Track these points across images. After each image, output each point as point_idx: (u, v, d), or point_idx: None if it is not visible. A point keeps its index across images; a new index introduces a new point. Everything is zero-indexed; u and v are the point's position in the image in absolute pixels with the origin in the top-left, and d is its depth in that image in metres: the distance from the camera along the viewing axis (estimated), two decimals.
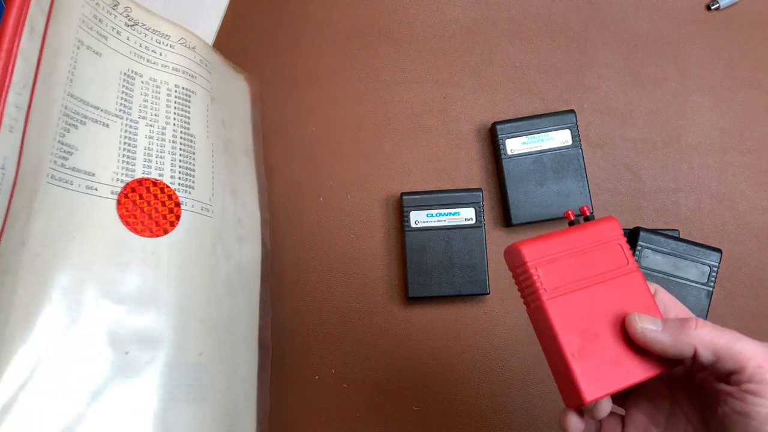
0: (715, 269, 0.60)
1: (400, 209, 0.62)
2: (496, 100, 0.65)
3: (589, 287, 0.40)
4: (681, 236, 0.62)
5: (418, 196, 0.61)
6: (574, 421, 0.40)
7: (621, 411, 0.43)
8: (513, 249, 0.41)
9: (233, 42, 0.65)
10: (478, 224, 0.61)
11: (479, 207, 0.61)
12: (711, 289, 0.59)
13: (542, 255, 0.40)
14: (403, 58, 0.65)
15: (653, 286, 0.41)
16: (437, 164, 0.65)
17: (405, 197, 0.61)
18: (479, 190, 0.62)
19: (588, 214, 0.43)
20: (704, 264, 0.60)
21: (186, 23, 0.65)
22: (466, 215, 0.61)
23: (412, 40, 0.66)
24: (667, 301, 0.41)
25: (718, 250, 0.60)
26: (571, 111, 0.63)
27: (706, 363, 0.36)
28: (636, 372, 0.39)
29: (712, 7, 0.65)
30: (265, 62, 0.65)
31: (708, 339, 0.35)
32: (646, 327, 0.37)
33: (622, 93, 0.65)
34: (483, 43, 0.66)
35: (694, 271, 0.60)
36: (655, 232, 0.60)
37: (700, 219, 0.64)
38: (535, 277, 0.40)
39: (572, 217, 0.43)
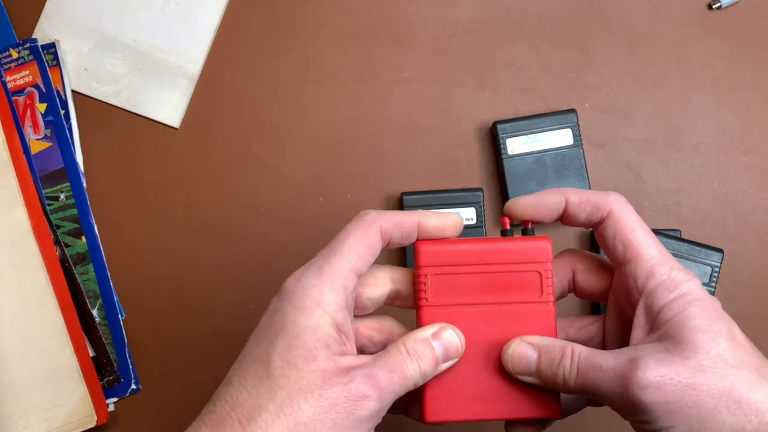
0: (717, 270, 0.59)
1: (400, 209, 0.62)
2: (496, 100, 0.65)
3: (483, 310, 0.37)
4: (682, 236, 0.62)
5: (418, 196, 0.61)
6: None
7: None
8: (415, 248, 0.37)
9: (232, 42, 0.65)
10: (479, 224, 0.61)
11: (480, 207, 0.61)
12: (713, 289, 0.59)
13: (444, 262, 0.37)
14: (403, 58, 0.65)
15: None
16: (437, 164, 0.64)
17: (405, 197, 0.61)
18: (480, 190, 0.61)
19: (528, 227, 0.39)
20: (706, 264, 0.59)
21: (184, 23, 0.65)
22: (466, 215, 0.61)
23: (412, 39, 0.65)
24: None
25: (720, 251, 0.60)
26: (572, 110, 0.62)
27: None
28: (498, 409, 0.36)
29: (714, 6, 0.65)
30: (265, 62, 0.65)
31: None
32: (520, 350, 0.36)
33: (624, 92, 0.65)
34: (483, 42, 0.65)
35: (695, 272, 0.59)
36: (656, 232, 0.60)
37: (701, 219, 0.64)
38: (422, 285, 0.37)
39: (507, 226, 0.39)
